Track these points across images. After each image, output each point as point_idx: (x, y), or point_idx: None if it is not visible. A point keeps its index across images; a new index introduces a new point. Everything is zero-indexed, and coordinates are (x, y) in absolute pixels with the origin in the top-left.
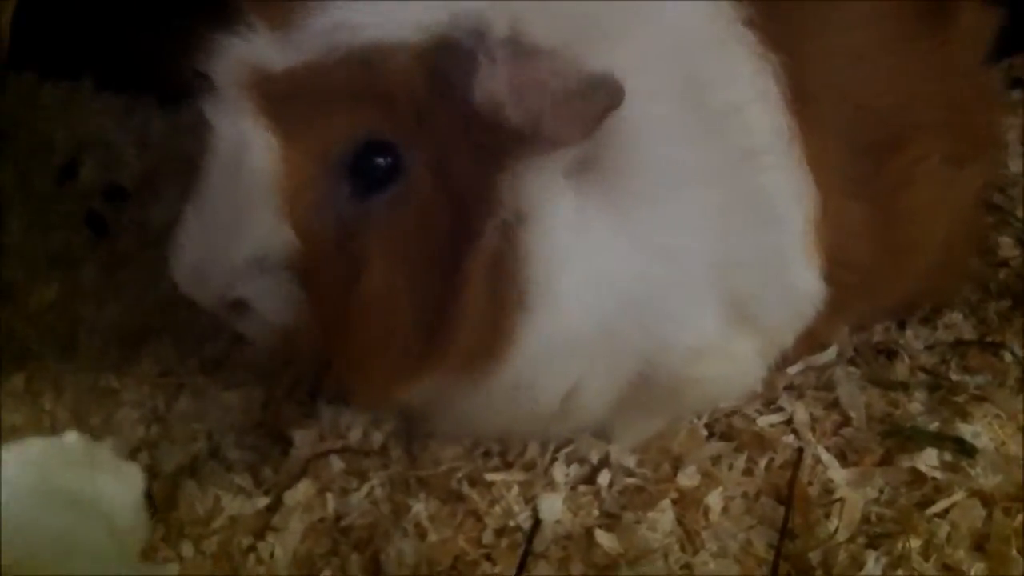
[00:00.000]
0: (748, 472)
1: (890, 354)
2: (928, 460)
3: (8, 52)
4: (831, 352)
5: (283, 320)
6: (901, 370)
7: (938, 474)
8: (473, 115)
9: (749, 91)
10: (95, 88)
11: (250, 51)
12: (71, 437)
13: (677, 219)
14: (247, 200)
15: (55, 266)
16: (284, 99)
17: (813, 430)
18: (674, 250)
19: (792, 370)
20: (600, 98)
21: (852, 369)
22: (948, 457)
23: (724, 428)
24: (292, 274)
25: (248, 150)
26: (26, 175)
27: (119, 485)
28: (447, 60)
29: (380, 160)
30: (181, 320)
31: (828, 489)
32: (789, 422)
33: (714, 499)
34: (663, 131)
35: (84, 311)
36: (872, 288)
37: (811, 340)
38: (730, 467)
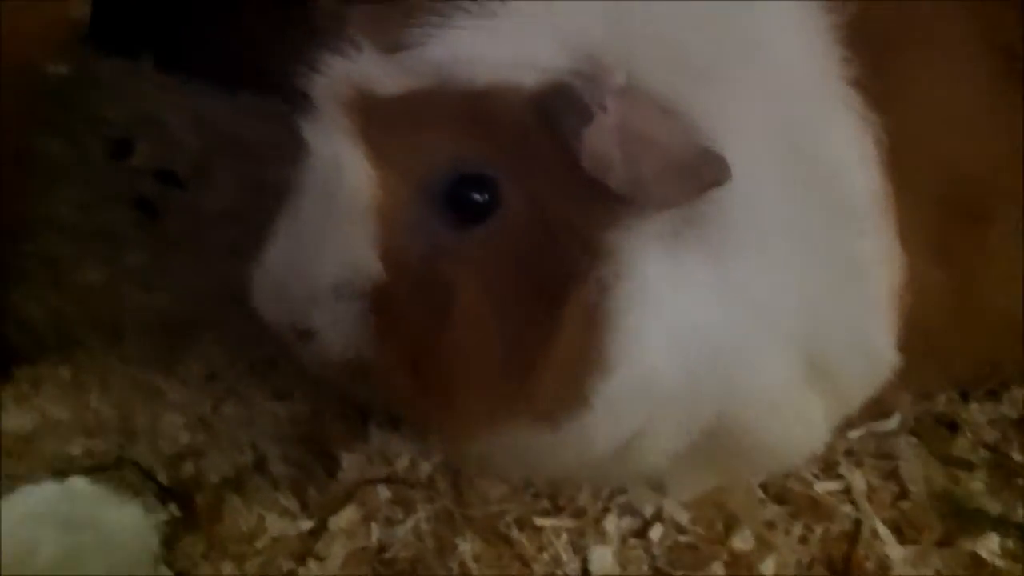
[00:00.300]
0: (803, 540)
1: (952, 426)
2: (990, 546)
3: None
4: (893, 420)
5: (351, 352)
6: (963, 444)
7: (1000, 562)
8: (579, 166)
9: (851, 152)
10: (154, 67)
11: (355, 71)
12: (79, 483)
13: (769, 275)
14: (338, 223)
15: (102, 245)
16: (386, 123)
17: (871, 500)
18: (763, 304)
19: (852, 434)
20: (708, 174)
21: (912, 439)
22: (1011, 544)
23: (780, 490)
24: (369, 304)
25: (343, 172)
26: (80, 148)
27: (126, 525)
28: (561, 107)
29: (479, 193)
30: (230, 316)
31: (885, 565)
32: (847, 491)
33: (768, 566)
34: (761, 190)
35: (131, 296)
36: (943, 357)
37: (875, 406)
38: (786, 532)
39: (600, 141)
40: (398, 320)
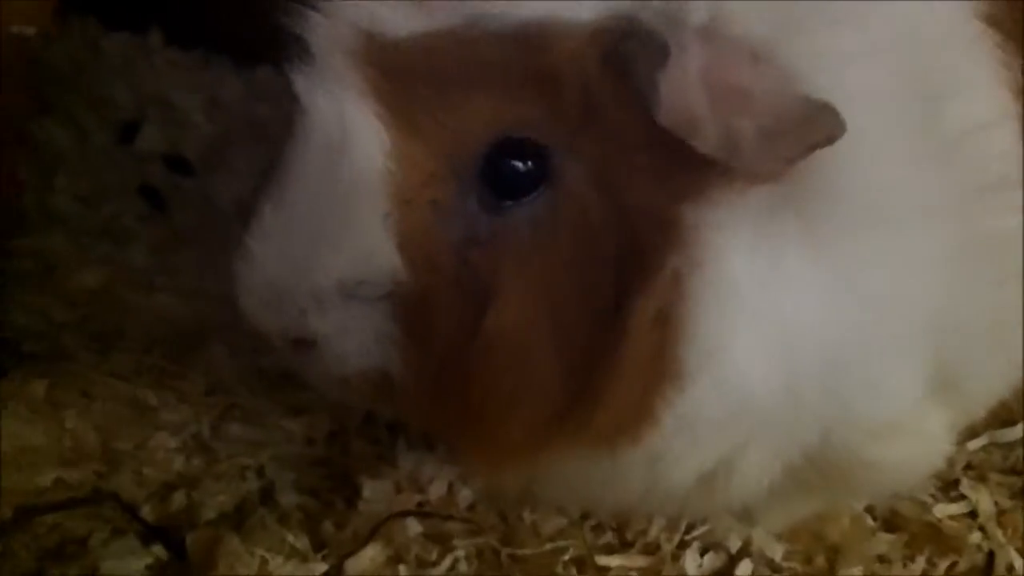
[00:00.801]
0: None
1: None
2: None
3: None
4: (1018, 428)
5: (364, 365)
6: None
7: None
8: (655, 123)
9: (989, 108)
10: (164, 42)
11: (363, 11)
12: None
13: (890, 264)
14: (345, 205)
15: (103, 241)
16: (404, 76)
17: (1001, 525)
18: (882, 301)
19: (973, 445)
20: (816, 131)
21: None
22: None
23: (891, 516)
24: (386, 306)
25: (351, 139)
26: (83, 132)
27: None
28: (630, 45)
29: (525, 163)
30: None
31: None
32: (973, 514)
33: None
34: (880, 154)
35: (129, 298)
36: None
37: (1000, 411)
38: (904, 566)
39: (682, 89)
40: (423, 325)
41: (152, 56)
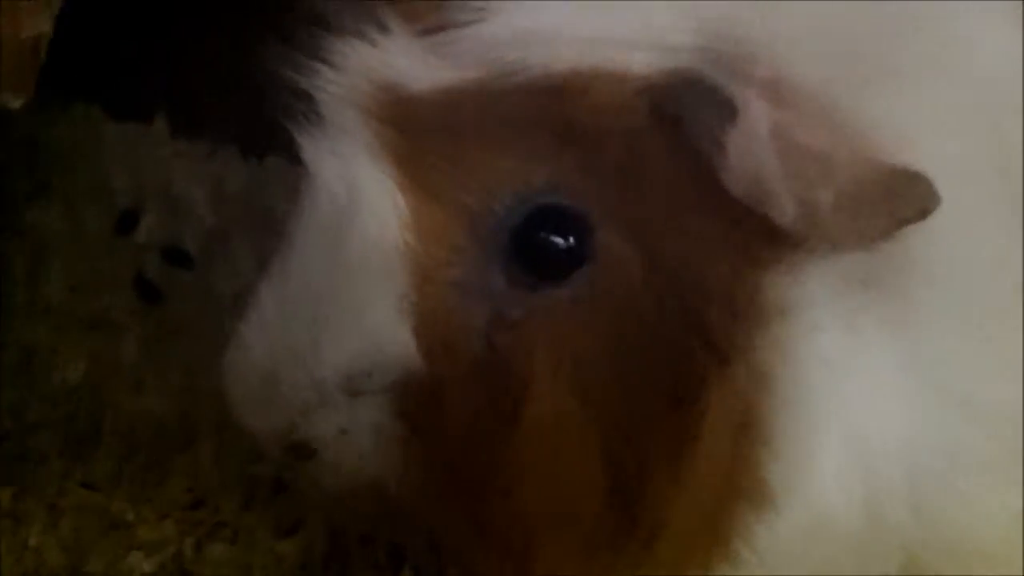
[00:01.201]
0: None
1: None
2: None
3: (55, 75)
4: None
5: (371, 475)
6: None
7: None
8: (716, 186)
9: None
10: (170, 132)
11: (378, 62)
12: None
13: (992, 358)
14: (355, 283)
15: (92, 335)
16: (424, 134)
17: None
18: (984, 404)
19: None
20: (907, 204)
21: None
22: None
23: None
24: (399, 403)
25: (362, 205)
26: (79, 220)
27: None
28: (691, 100)
29: (562, 236)
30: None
31: None
32: None
33: None
34: (974, 229)
35: (115, 397)
36: None
37: None
38: None
39: (751, 153)
40: (442, 428)
41: (156, 145)
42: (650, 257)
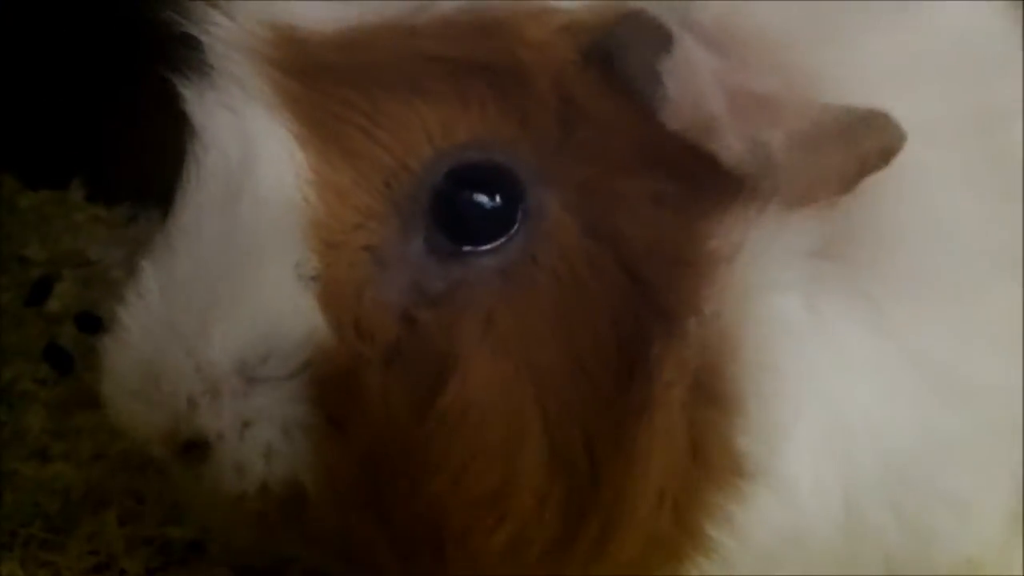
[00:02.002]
0: None
1: None
2: None
3: None
4: None
5: (274, 478)
6: None
7: None
8: (660, 132)
9: None
10: (86, 198)
11: (273, 3)
12: None
13: (967, 330)
14: (248, 252)
15: None
16: (327, 81)
17: None
18: (959, 381)
19: None
20: (865, 138)
21: None
22: None
23: None
24: (307, 391)
25: (256, 163)
26: None
27: None
28: (619, 33)
29: (492, 197)
30: (143, 484)
31: None
32: None
33: None
34: (944, 189)
35: (18, 468)
36: None
37: None
38: None
39: (692, 83)
40: (351, 411)
41: (71, 212)
42: (586, 217)
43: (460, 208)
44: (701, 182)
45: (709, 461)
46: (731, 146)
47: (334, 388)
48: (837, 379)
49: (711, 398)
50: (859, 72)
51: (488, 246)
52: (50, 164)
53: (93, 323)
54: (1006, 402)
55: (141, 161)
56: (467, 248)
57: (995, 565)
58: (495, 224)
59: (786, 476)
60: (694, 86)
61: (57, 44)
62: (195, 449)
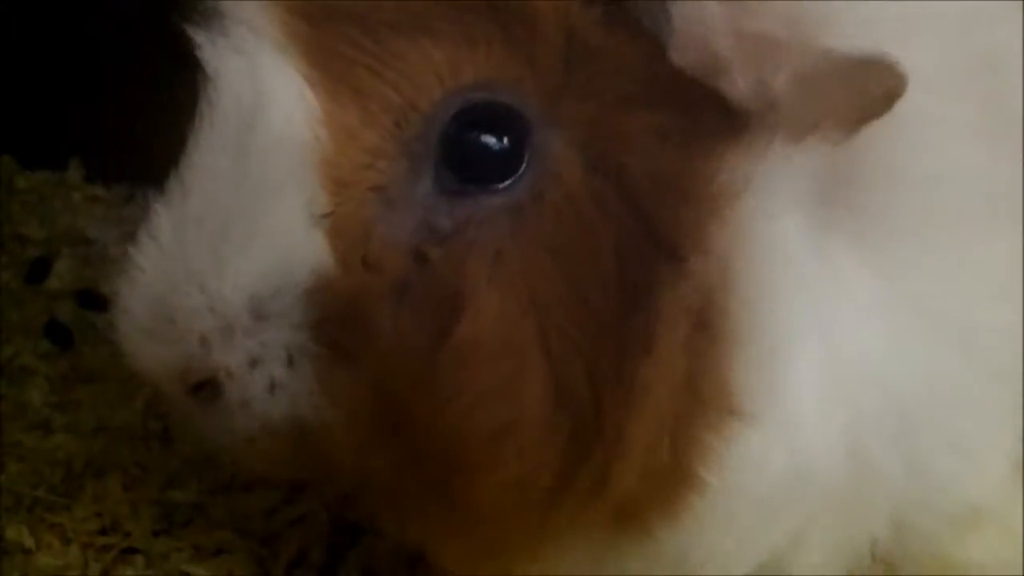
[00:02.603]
0: None
1: None
2: None
3: None
4: None
5: (287, 415)
6: None
7: None
8: (665, 69)
9: None
10: (84, 178)
11: None
12: None
13: (969, 275)
14: (259, 190)
15: None
16: (334, 22)
17: None
18: (963, 326)
19: None
20: (869, 81)
21: None
22: None
23: None
24: (318, 328)
25: (267, 104)
26: None
27: None
28: None
29: (500, 139)
30: (145, 455)
31: None
32: None
33: None
34: (947, 135)
35: (21, 437)
36: None
37: None
38: None
39: (700, 20)
40: (361, 346)
41: (70, 192)
42: (592, 154)
43: (468, 149)
44: (706, 119)
45: (705, 396)
46: (737, 84)
47: (343, 321)
48: (841, 319)
49: (711, 334)
50: (863, 19)
51: (496, 186)
52: (48, 145)
53: (93, 300)
54: (1008, 346)
55: (138, 141)
56: (475, 188)
57: (997, 512)
58: (502, 164)
59: (789, 413)
60: (701, 24)
61: (53, 26)
62: (206, 388)
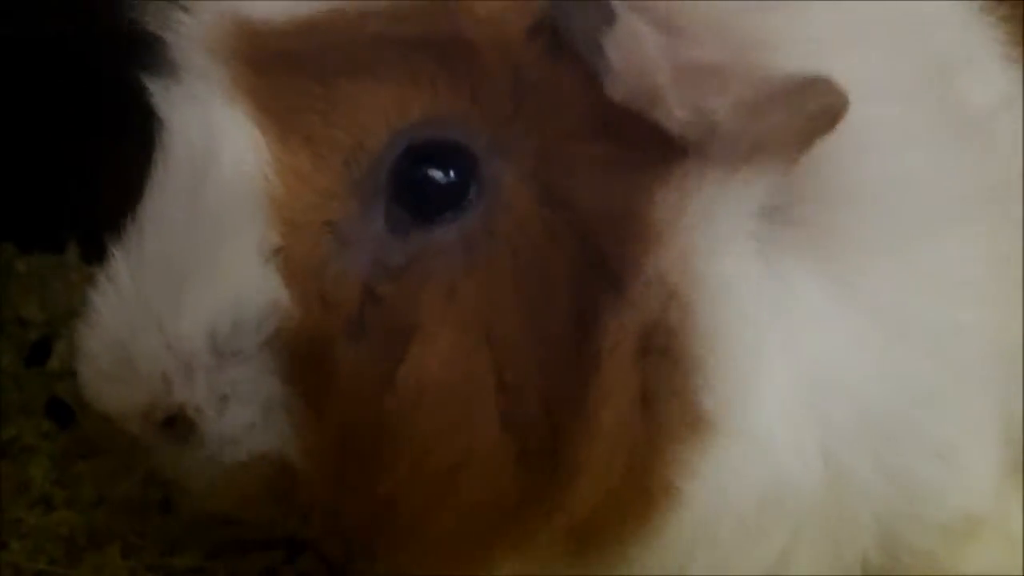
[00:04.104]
0: None
1: None
2: None
3: None
4: None
5: (254, 445)
6: None
7: None
8: (607, 101)
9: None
10: (81, 259)
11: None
12: None
13: (928, 279)
14: (213, 231)
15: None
16: (283, 71)
17: None
18: (938, 331)
19: None
20: (809, 101)
21: None
22: None
23: None
24: (274, 360)
25: (219, 149)
26: None
27: None
28: (563, 7)
29: (446, 173)
30: (145, 524)
31: None
32: None
33: None
34: (894, 142)
35: (23, 515)
36: None
37: None
38: None
39: (634, 53)
40: (321, 382)
41: (68, 273)
42: (541, 185)
43: (417, 185)
44: (646, 149)
45: (663, 415)
46: (673, 114)
47: (303, 361)
48: (802, 334)
49: (663, 355)
50: (804, 37)
51: (446, 220)
52: (46, 230)
53: None
54: (980, 348)
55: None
56: (426, 223)
57: (994, 520)
58: (452, 198)
59: (760, 427)
60: (637, 57)
61: (47, 116)
62: (176, 424)
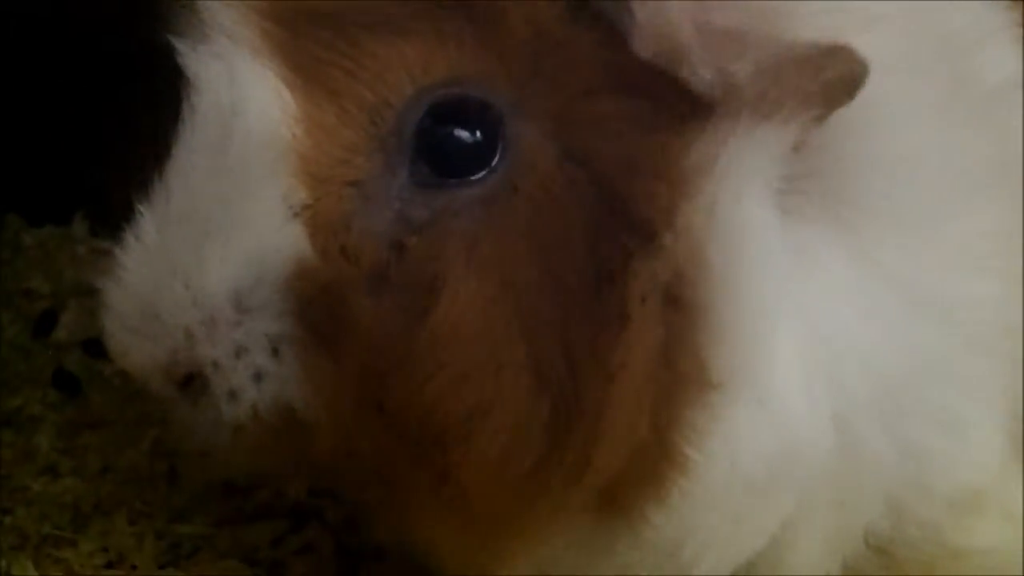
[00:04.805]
0: None
1: None
2: None
3: None
4: None
5: (271, 404)
6: None
7: None
8: (629, 59)
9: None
10: (89, 232)
11: None
12: None
13: (943, 251)
14: (239, 188)
15: (6, 432)
16: (308, 25)
17: None
18: (949, 302)
19: None
20: (829, 68)
21: None
22: None
23: None
24: (298, 318)
25: (245, 105)
26: None
27: None
28: None
29: (469, 131)
30: (151, 494)
31: None
32: None
33: None
34: (910, 118)
35: (29, 482)
36: None
37: None
38: None
39: (660, 11)
40: (340, 334)
41: (75, 246)
42: (563, 142)
43: (442, 143)
44: (672, 104)
45: (682, 372)
46: (698, 73)
47: (323, 308)
48: (818, 299)
49: (683, 308)
50: (825, 9)
51: (470, 177)
52: (53, 202)
53: (100, 348)
54: (990, 319)
55: (139, 193)
56: (450, 180)
57: (998, 497)
58: (476, 157)
59: (773, 391)
60: (663, 17)
61: (54, 89)
62: (194, 382)
